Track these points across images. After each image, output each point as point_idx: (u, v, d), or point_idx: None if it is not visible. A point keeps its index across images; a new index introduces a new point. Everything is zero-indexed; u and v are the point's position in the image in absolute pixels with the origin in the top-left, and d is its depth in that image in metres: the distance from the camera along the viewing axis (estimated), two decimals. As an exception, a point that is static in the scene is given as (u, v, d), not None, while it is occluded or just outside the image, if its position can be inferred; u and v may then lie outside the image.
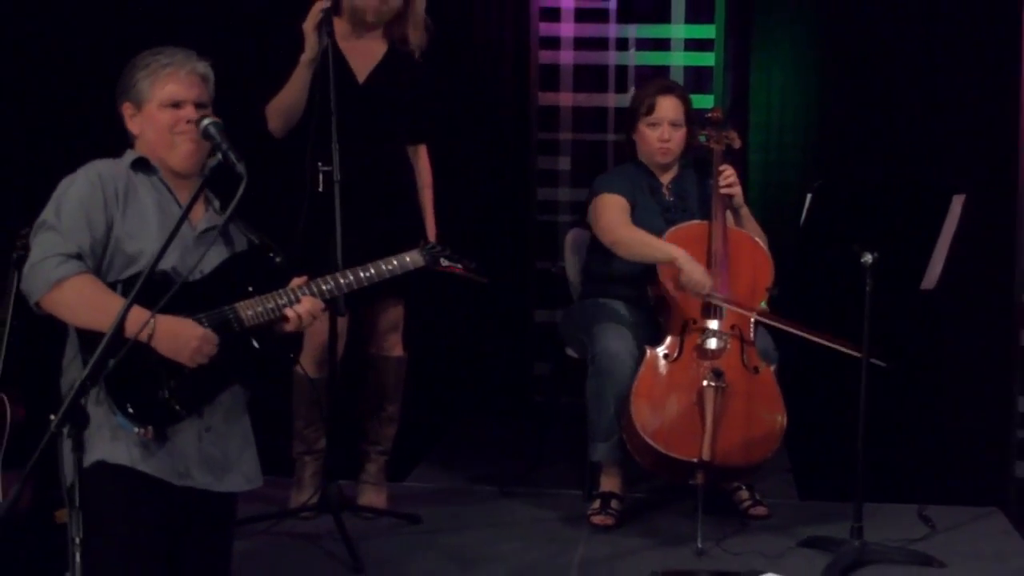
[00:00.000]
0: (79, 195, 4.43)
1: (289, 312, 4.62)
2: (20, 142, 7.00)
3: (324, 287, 4.78)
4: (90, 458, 3.95)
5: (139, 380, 4.33)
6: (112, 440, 4.19)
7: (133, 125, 4.60)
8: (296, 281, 4.69)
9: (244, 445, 4.69)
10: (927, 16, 7.81)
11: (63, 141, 6.81)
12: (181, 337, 4.37)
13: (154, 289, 4.09)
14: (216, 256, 4.66)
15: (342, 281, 4.94)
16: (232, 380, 4.62)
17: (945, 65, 7.77)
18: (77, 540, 3.64)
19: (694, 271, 6.20)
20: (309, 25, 6.00)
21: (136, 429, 4.27)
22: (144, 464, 4.34)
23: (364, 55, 6.34)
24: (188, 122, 4.45)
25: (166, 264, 4.32)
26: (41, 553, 4.82)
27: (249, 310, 4.56)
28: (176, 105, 4.46)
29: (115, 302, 4.21)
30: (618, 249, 6.44)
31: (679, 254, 6.26)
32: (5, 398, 5.07)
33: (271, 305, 4.59)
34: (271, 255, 4.72)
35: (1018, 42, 7.04)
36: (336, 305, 5.33)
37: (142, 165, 4.58)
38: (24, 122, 7.13)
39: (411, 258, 5.21)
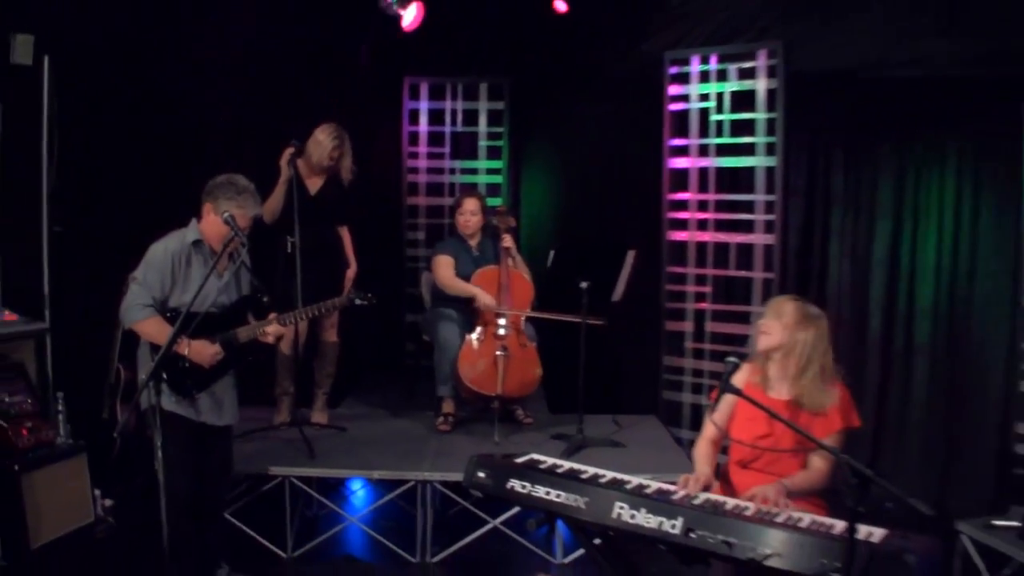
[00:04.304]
0: (158, 264, 4.68)
1: (266, 336, 4.93)
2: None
3: (288, 320, 5.06)
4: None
5: (176, 375, 4.69)
6: (165, 398, 4.44)
7: (206, 216, 4.73)
8: (272, 316, 4.97)
9: (232, 400, 4.99)
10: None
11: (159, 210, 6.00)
12: (203, 352, 4.72)
13: (193, 321, 4.42)
14: (235, 292, 4.91)
15: (299, 315, 5.28)
16: (228, 369, 4.91)
17: (631, 172, 7.93)
18: (158, 443, 4.06)
19: (485, 298, 6.41)
20: (283, 161, 6.10)
21: (173, 397, 4.70)
22: (180, 410, 4.75)
23: (314, 180, 6.36)
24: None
25: (205, 306, 4.59)
26: (142, 454, 4.71)
27: (244, 333, 4.87)
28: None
29: (169, 331, 4.48)
30: (444, 289, 6.60)
31: (476, 291, 6.46)
32: (121, 367, 5.16)
33: (257, 331, 4.90)
34: (260, 296, 4.97)
35: (660, 155, 7.21)
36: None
37: (198, 244, 4.77)
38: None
39: (338, 301, 5.50)
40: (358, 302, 5.50)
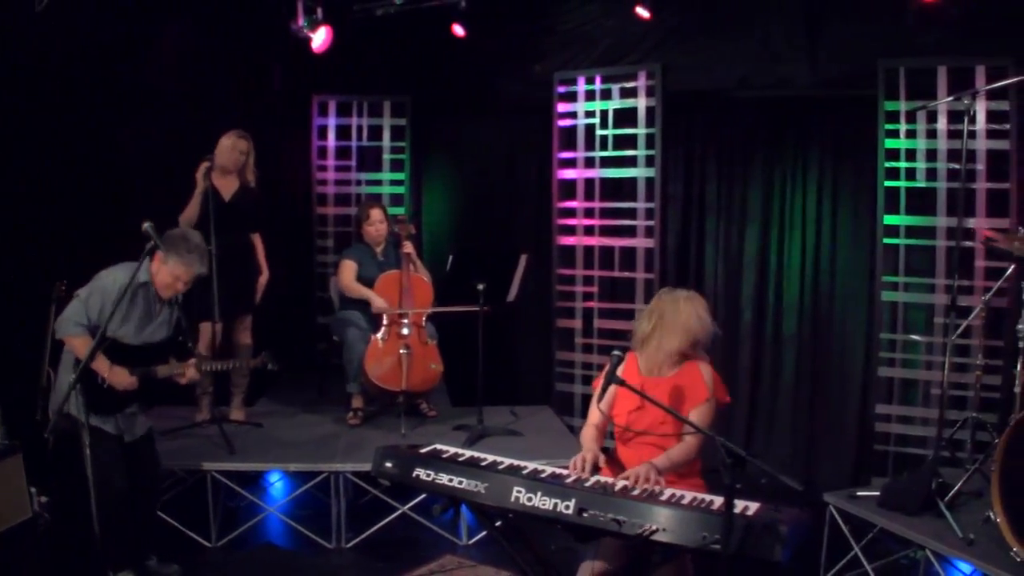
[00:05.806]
0: (103, 291, 4.69)
1: (183, 378, 4.98)
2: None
3: (204, 367, 5.13)
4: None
5: (93, 392, 4.67)
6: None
7: (158, 263, 4.79)
8: (191, 360, 5.00)
9: (143, 418, 5.00)
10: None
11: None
12: (120, 379, 4.76)
13: (118, 351, 4.60)
14: (165, 331, 4.94)
15: (215, 366, 5.29)
16: (140, 400, 4.91)
17: (523, 183, 7.97)
18: (87, 442, 4.23)
19: (378, 301, 6.39)
20: (199, 173, 6.09)
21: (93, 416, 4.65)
22: (103, 425, 4.76)
23: (227, 188, 6.29)
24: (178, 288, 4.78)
25: (137, 339, 4.74)
26: (73, 452, 4.63)
27: (163, 371, 4.91)
28: (178, 279, 4.77)
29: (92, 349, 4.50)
30: (344, 292, 6.57)
31: (370, 295, 6.44)
32: (51, 371, 5.10)
33: (176, 371, 4.94)
34: (184, 341, 5.03)
35: (550, 167, 7.27)
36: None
37: (146, 285, 4.81)
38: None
39: (254, 360, 5.48)
40: (270, 367, 5.46)
